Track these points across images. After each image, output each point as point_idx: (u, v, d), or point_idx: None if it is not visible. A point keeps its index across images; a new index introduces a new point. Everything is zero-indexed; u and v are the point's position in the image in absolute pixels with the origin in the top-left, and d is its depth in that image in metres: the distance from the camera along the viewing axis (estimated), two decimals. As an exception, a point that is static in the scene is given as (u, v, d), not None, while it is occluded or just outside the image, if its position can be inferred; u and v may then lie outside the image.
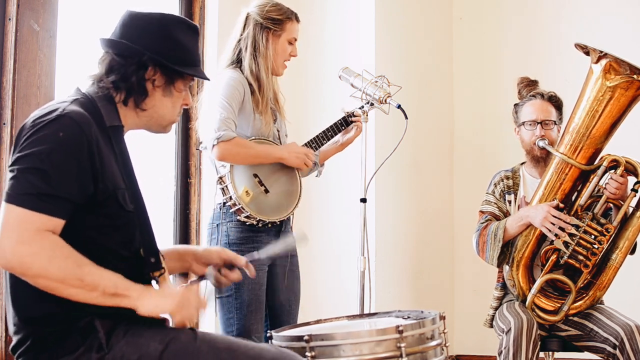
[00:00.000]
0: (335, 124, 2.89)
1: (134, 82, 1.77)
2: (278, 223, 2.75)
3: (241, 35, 2.77)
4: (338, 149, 2.96)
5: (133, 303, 1.61)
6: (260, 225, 2.69)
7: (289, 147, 2.76)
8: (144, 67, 1.78)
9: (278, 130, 2.85)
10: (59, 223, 1.59)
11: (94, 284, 1.57)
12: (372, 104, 2.85)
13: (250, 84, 2.72)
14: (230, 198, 2.64)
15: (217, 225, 2.72)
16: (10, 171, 1.60)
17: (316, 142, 2.85)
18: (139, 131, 1.92)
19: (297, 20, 2.83)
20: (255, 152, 2.67)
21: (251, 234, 2.69)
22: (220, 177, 2.68)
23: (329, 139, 2.89)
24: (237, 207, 2.64)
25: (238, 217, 2.67)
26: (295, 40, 2.83)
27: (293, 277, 2.83)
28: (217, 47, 3.58)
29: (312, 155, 2.80)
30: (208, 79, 1.97)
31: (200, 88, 2.91)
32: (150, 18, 1.82)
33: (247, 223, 2.67)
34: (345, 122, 2.89)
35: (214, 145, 2.59)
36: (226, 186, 2.65)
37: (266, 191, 2.70)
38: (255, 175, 2.70)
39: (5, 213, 1.55)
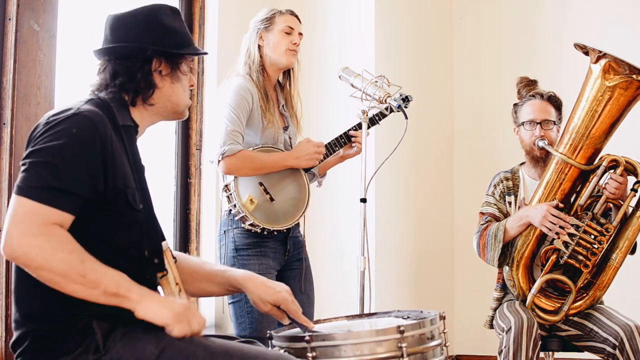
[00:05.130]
0: (346, 133, 2.89)
1: (140, 78, 1.80)
2: (284, 230, 2.76)
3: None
4: (338, 161, 2.98)
5: (133, 305, 1.60)
6: (265, 233, 2.70)
7: (297, 152, 2.76)
8: (149, 61, 1.81)
9: (290, 138, 2.85)
10: (67, 218, 1.59)
11: (96, 281, 1.56)
12: (385, 113, 2.82)
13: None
14: (235, 206, 2.65)
15: (224, 231, 2.73)
16: (23, 164, 1.60)
17: (330, 148, 2.87)
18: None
19: (293, 14, 2.86)
20: (261, 163, 2.68)
21: (258, 239, 2.71)
22: (226, 185, 2.69)
23: (341, 146, 2.90)
24: (241, 215, 2.65)
25: (243, 225, 2.68)
26: (292, 29, 2.84)
27: (305, 281, 2.84)
28: (217, 48, 3.58)
29: (319, 149, 2.79)
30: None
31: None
32: (135, 14, 1.84)
33: (252, 231, 2.69)
34: (348, 138, 2.90)
35: (219, 161, 2.62)
36: (231, 194, 2.66)
37: (271, 199, 2.71)
38: (261, 184, 2.71)
39: (15, 205, 1.56)
